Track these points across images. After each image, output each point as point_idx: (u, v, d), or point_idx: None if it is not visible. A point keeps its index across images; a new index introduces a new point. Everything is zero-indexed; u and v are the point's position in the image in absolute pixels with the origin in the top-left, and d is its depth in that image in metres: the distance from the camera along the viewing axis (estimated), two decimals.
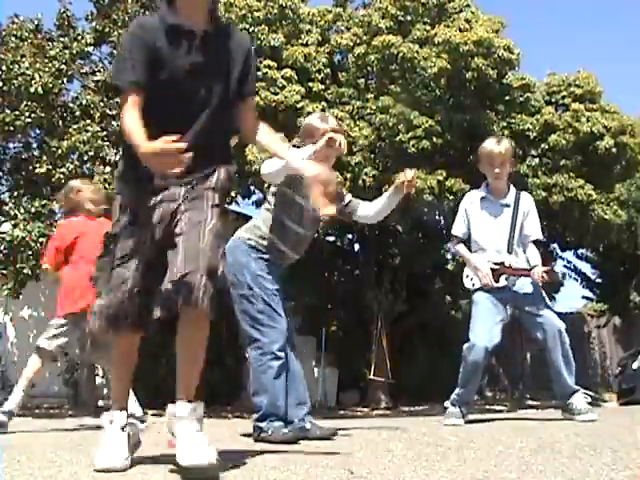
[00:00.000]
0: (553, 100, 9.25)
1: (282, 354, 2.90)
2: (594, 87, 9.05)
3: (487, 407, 8.39)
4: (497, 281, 3.63)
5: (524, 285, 3.68)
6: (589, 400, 3.69)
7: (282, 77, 7.95)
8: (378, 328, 9.50)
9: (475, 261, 3.70)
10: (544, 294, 3.73)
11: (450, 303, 12.41)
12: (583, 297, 14.87)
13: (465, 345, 3.65)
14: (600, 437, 2.75)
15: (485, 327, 3.60)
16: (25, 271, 7.34)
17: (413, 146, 7.61)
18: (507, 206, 3.74)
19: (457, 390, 3.72)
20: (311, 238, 3.13)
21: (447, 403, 3.77)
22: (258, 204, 9.75)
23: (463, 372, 3.66)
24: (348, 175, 7.73)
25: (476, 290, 3.71)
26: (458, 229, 3.85)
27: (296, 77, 8.01)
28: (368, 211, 3.25)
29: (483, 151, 3.76)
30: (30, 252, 7.32)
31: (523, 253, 3.73)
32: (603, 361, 14.26)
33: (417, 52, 7.79)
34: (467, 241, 3.85)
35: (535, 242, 3.77)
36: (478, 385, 3.90)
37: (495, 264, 3.65)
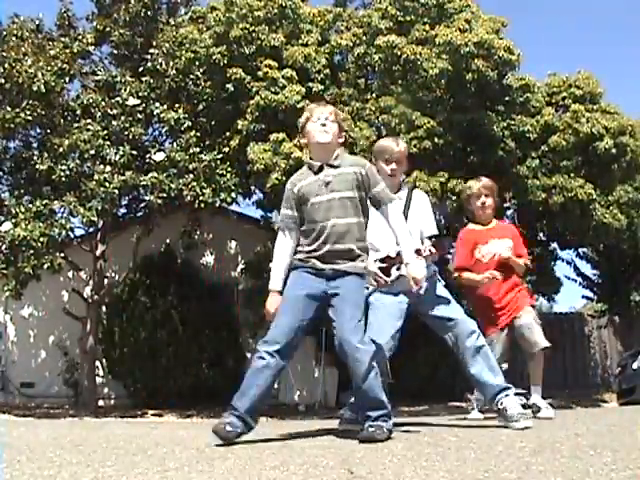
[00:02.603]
0: (553, 101, 9.24)
1: (267, 355, 2.86)
2: (594, 88, 9.04)
3: (487, 407, 8.37)
4: (388, 275, 3.41)
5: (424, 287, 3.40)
6: (523, 402, 3.40)
7: (282, 77, 7.95)
8: None
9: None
10: (447, 294, 3.51)
11: None
12: (583, 297, 14.85)
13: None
14: (600, 437, 2.76)
15: (384, 335, 3.38)
16: (26, 270, 7.34)
17: (415, 146, 7.60)
18: (399, 200, 3.48)
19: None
20: (341, 225, 2.96)
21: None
22: (258, 204, 9.75)
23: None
24: None
25: (379, 292, 3.48)
26: None
27: (296, 77, 8.01)
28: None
29: (379, 148, 3.65)
30: (31, 252, 7.31)
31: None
32: (603, 361, 14.24)
33: (420, 54, 7.79)
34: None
35: (431, 239, 3.58)
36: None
37: (380, 260, 3.44)
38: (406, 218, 3.49)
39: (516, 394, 3.39)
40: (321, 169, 3.05)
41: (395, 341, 3.46)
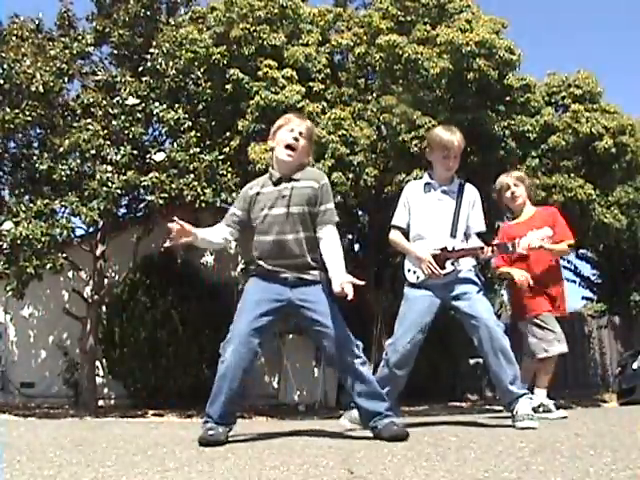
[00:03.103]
0: (553, 101, 9.24)
1: (225, 356, 2.85)
2: (594, 87, 9.04)
3: (487, 407, 8.38)
4: (443, 268, 3.37)
5: (461, 281, 3.43)
6: (535, 406, 3.39)
7: (282, 77, 7.96)
8: (378, 328, 9.50)
9: (415, 251, 3.44)
10: (481, 291, 3.46)
11: None
12: (583, 297, 14.87)
13: (388, 341, 3.48)
14: (600, 437, 2.75)
15: (410, 330, 3.40)
16: (28, 270, 7.34)
17: (416, 145, 7.61)
18: (451, 193, 3.52)
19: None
20: (294, 240, 2.96)
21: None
22: None
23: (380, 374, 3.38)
24: (350, 175, 7.72)
25: (414, 285, 3.47)
26: (400, 219, 3.57)
27: (296, 77, 8.01)
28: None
29: (438, 141, 3.54)
30: (33, 251, 7.32)
31: (466, 244, 3.51)
32: (603, 361, 14.25)
33: (421, 53, 7.79)
34: (407, 232, 3.57)
35: (478, 235, 3.55)
36: (401, 386, 3.51)
37: (437, 250, 3.40)
38: (458, 211, 3.48)
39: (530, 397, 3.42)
40: (280, 181, 3.03)
41: (423, 335, 3.44)
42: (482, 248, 3.43)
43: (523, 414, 3.27)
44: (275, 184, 3.03)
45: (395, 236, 3.58)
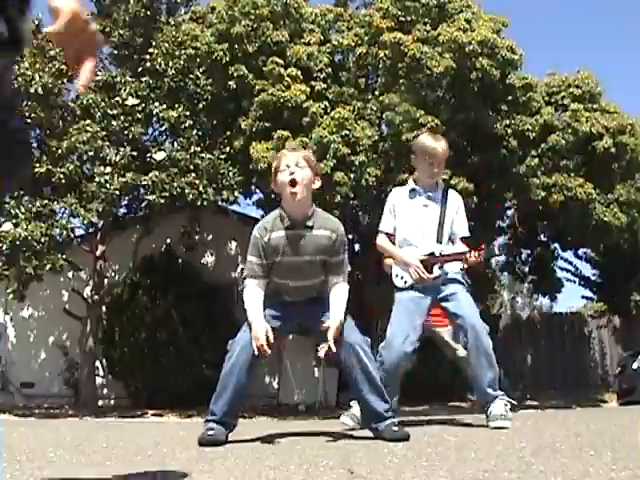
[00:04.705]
0: (552, 100, 9.23)
1: (233, 353, 2.90)
2: (594, 87, 9.03)
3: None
4: (430, 272, 3.43)
5: (449, 282, 3.51)
6: (509, 407, 3.44)
7: (288, 75, 7.95)
8: (378, 328, 9.49)
9: (403, 256, 3.51)
10: (468, 292, 3.53)
11: None
12: (583, 297, 14.84)
13: (382, 344, 3.51)
14: (600, 437, 2.76)
15: (403, 331, 3.44)
16: (28, 271, 7.34)
17: None
18: (436, 199, 3.58)
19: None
20: (308, 287, 3.08)
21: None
22: (259, 204, 9.75)
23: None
24: (351, 175, 7.72)
25: (403, 289, 3.52)
26: (386, 225, 3.64)
27: (301, 76, 8.01)
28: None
29: (423, 148, 3.59)
30: (32, 252, 7.31)
31: (452, 249, 3.57)
32: (603, 361, 14.24)
33: (425, 52, 7.79)
34: (392, 237, 3.65)
35: (462, 240, 3.61)
36: (398, 388, 3.55)
37: (424, 255, 3.47)
38: (442, 218, 3.54)
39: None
40: (293, 227, 3.02)
41: (416, 336, 3.48)
42: (467, 252, 3.47)
43: (496, 414, 3.37)
44: (287, 228, 3.02)
45: (383, 241, 3.65)
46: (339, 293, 3.05)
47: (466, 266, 3.57)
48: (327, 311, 3.00)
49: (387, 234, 3.63)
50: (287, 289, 3.07)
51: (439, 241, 3.51)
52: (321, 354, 2.90)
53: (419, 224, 3.54)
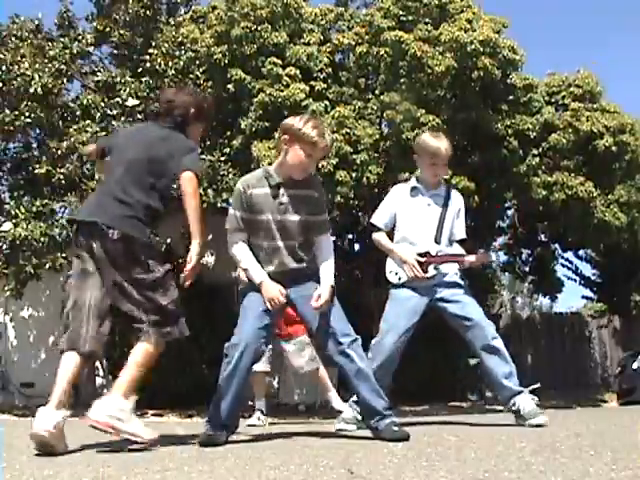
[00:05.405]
0: (553, 100, 9.24)
1: (233, 357, 2.86)
2: (594, 87, 9.03)
3: (487, 407, 8.38)
4: (425, 271, 3.42)
5: (447, 284, 3.49)
6: (537, 402, 3.40)
7: (286, 75, 7.94)
8: (378, 328, 9.51)
9: (400, 252, 3.48)
10: (467, 293, 3.51)
11: None
12: (583, 297, 14.85)
13: (373, 341, 3.49)
14: (600, 437, 2.76)
15: (396, 328, 3.44)
16: (27, 269, 7.34)
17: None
18: (438, 198, 3.56)
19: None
20: (290, 246, 2.99)
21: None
22: None
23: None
24: (353, 174, 7.72)
25: (397, 286, 3.50)
26: (381, 219, 3.61)
27: (300, 76, 8.00)
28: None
29: (426, 148, 3.55)
30: (31, 251, 7.32)
31: (449, 250, 3.57)
32: (603, 361, 14.24)
33: (426, 51, 7.78)
34: (389, 233, 3.64)
35: (460, 242, 3.61)
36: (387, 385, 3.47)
37: (420, 254, 3.45)
38: (443, 217, 3.52)
39: (530, 392, 3.43)
40: (279, 185, 2.99)
41: (407, 335, 3.47)
42: (464, 255, 3.49)
43: (530, 411, 3.29)
44: (272, 187, 3.00)
45: (380, 237, 3.61)
46: (326, 252, 3.04)
47: (467, 266, 3.56)
48: (312, 279, 2.98)
49: (380, 229, 3.60)
50: (267, 252, 3.00)
51: (437, 241, 3.50)
52: (315, 304, 2.91)
53: (419, 223, 3.52)
